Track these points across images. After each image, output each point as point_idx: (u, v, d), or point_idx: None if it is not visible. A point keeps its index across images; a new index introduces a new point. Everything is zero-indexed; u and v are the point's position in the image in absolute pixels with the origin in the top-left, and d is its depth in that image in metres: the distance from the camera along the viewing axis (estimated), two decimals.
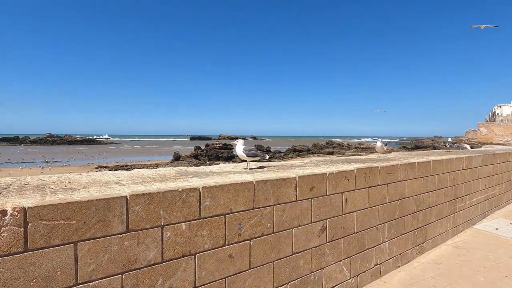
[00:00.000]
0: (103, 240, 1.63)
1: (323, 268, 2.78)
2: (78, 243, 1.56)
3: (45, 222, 1.47)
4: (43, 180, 2.24)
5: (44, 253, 1.47)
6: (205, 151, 34.66)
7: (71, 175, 2.52)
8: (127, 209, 1.70)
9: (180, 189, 1.90)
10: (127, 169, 3.01)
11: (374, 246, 3.31)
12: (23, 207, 1.44)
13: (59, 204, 1.50)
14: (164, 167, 3.55)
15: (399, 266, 3.65)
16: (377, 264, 3.36)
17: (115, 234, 1.67)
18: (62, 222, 1.51)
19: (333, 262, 2.87)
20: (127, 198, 1.71)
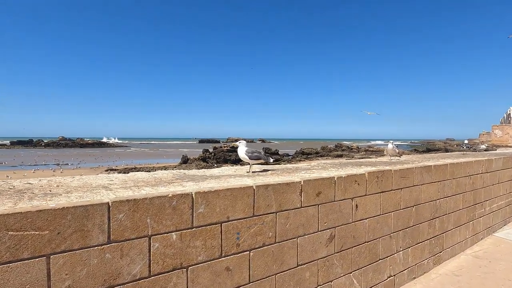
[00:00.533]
0: (81, 252, 1.45)
1: (331, 281, 2.54)
2: (51, 256, 1.38)
3: (12, 232, 1.30)
4: (31, 184, 2.10)
5: (11, 268, 1.30)
6: (213, 154, 34.63)
7: (62, 178, 2.39)
8: (108, 218, 1.52)
9: (170, 195, 1.71)
10: (137, 172, 2.85)
11: (387, 257, 3.05)
12: None
13: (29, 212, 1.33)
14: (173, 169, 3.41)
15: (414, 278, 3.37)
16: (391, 276, 3.09)
17: (95, 246, 1.49)
18: (33, 232, 1.33)
19: (342, 275, 2.63)
20: (109, 205, 1.52)
